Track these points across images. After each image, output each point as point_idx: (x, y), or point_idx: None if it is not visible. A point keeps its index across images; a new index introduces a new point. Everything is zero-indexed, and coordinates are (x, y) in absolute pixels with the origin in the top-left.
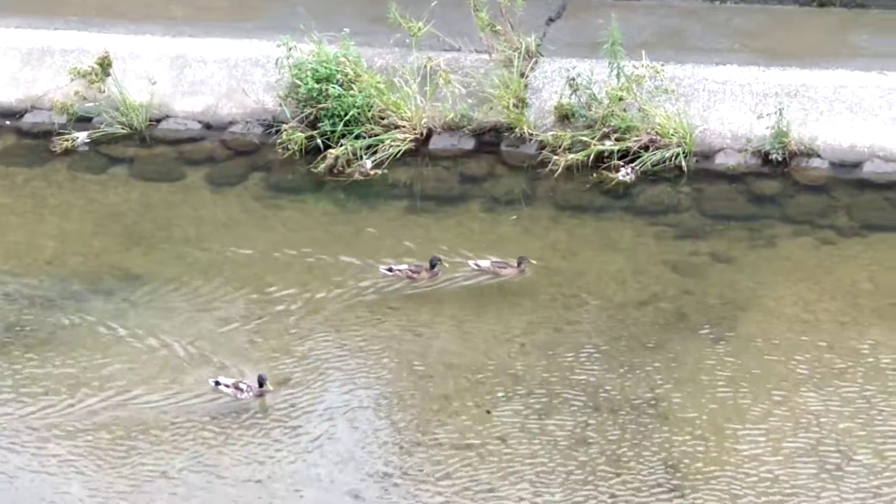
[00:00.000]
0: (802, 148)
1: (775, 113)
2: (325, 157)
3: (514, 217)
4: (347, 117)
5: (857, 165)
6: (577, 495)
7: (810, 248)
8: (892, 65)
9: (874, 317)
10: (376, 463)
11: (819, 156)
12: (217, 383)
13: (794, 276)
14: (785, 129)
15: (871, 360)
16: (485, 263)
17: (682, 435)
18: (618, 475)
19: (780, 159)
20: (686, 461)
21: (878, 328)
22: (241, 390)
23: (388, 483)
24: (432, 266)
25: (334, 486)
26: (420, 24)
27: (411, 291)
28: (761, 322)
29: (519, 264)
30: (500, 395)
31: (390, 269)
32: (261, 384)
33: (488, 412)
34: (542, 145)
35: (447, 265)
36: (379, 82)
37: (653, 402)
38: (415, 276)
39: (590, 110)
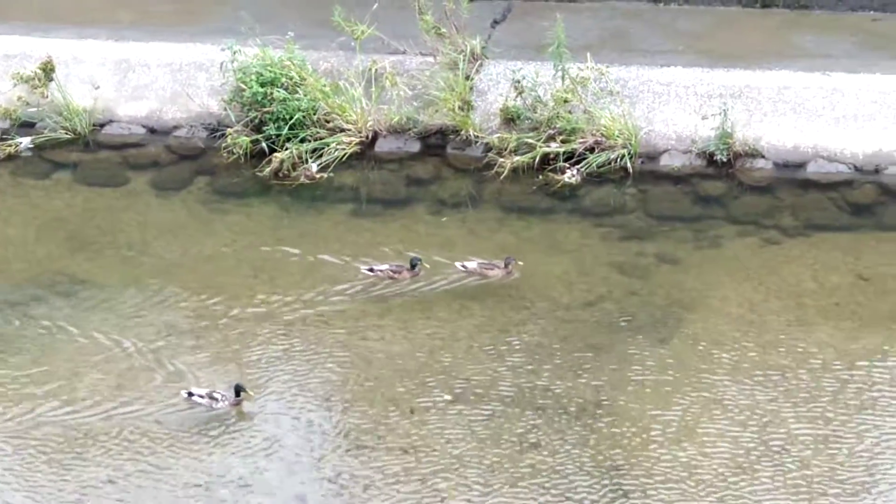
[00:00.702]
0: (747, 149)
1: (720, 114)
2: (270, 161)
3: (445, 219)
4: (293, 121)
5: (800, 166)
6: (523, 497)
7: (755, 249)
8: (836, 65)
9: (819, 316)
10: (322, 467)
11: (763, 156)
12: (190, 394)
13: (739, 276)
14: (729, 130)
15: (816, 359)
16: (472, 265)
17: (628, 436)
18: (564, 477)
19: (724, 160)
20: (632, 462)
21: (823, 328)
22: (216, 400)
23: (333, 487)
24: (413, 266)
25: (280, 490)
26: (364, 27)
27: (357, 295)
28: (707, 322)
29: (506, 265)
30: (446, 397)
31: (371, 270)
32: (237, 393)
33: (412, 411)
34: (487, 148)
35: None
36: (324, 85)
37: (599, 403)
38: (396, 276)
39: (535, 112)
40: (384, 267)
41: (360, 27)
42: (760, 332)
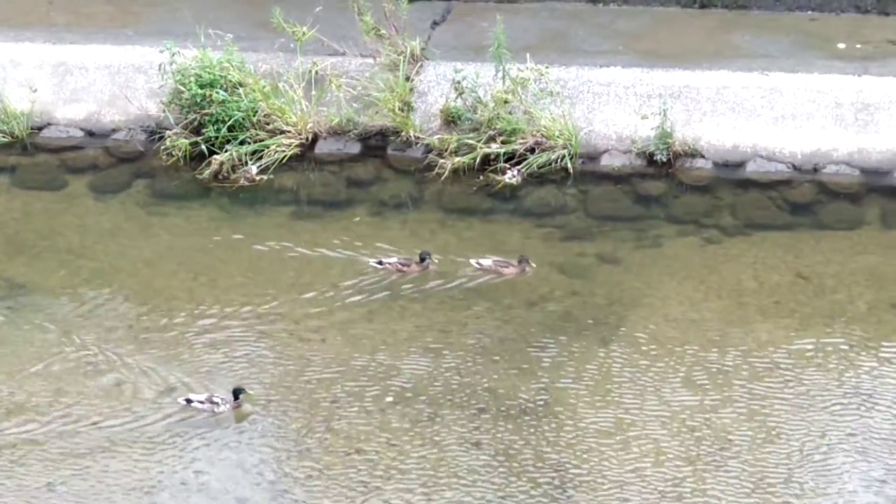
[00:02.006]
0: (686, 148)
1: (659, 114)
2: (209, 164)
3: (357, 219)
4: (232, 122)
5: (740, 165)
6: (466, 497)
7: (695, 248)
8: (774, 65)
9: (759, 315)
10: (265, 470)
11: (703, 156)
12: (188, 401)
13: (680, 275)
14: (669, 129)
15: (757, 358)
16: (486, 262)
17: (570, 435)
18: (506, 477)
19: (664, 160)
20: (574, 462)
21: (764, 326)
22: (217, 404)
23: (276, 490)
24: (422, 260)
25: (222, 494)
26: (304, 28)
27: (298, 297)
28: (648, 322)
29: (520, 263)
30: (388, 399)
31: (380, 263)
32: (236, 396)
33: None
34: (428, 149)
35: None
36: (264, 87)
37: (540, 402)
38: (404, 269)
39: (475, 113)
40: (392, 260)
41: (300, 29)
42: (701, 332)
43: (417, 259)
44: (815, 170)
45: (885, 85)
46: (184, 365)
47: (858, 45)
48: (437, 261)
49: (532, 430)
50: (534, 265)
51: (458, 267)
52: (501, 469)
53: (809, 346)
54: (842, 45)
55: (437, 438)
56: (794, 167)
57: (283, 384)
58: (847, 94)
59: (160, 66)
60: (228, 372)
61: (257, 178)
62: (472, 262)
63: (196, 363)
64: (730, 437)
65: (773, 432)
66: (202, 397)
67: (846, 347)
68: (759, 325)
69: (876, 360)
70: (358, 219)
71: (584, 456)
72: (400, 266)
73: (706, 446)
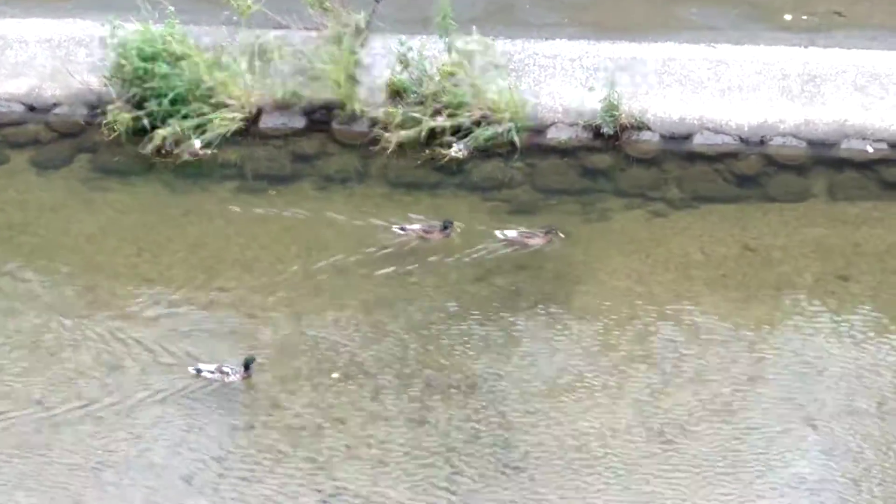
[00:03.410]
0: (633, 121)
1: (606, 87)
2: (152, 138)
3: (273, 192)
4: (174, 96)
5: (686, 137)
6: (415, 473)
7: (642, 221)
8: (721, 37)
9: (706, 287)
10: (210, 447)
11: (650, 129)
12: (198, 371)
13: (627, 248)
14: (616, 102)
15: (704, 330)
16: (512, 234)
17: (518, 410)
18: (455, 452)
19: (611, 133)
20: (522, 436)
21: (710, 298)
22: (227, 374)
23: (221, 467)
24: (444, 228)
25: (166, 471)
26: (248, 1)
27: (243, 273)
28: (595, 295)
29: (546, 234)
30: (334, 375)
31: (403, 229)
32: (247, 367)
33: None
34: (373, 122)
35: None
36: (207, 60)
37: (488, 377)
38: (427, 235)
39: (421, 86)
40: (416, 227)
41: (243, 1)
42: (649, 304)
43: (440, 227)
44: (762, 142)
45: (831, 56)
46: (127, 340)
47: (805, 17)
48: (458, 230)
49: (480, 405)
50: (562, 235)
51: (403, 243)
52: (449, 444)
53: (756, 318)
54: (788, 17)
55: (382, 415)
56: (741, 139)
57: (227, 361)
58: (794, 65)
59: (102, 39)
60: (173, 347)
61: (201, 152)
62: (497, 233)
63: (139, 339)
64: (678, 410)
65: (722, 405)
66: (212, 367)
67: (793, 319)
68: (706, 298)
69: (823, 331)
70: (274, 192)
71: (532, 430)
72: (423, 233)
73: (655, 420)
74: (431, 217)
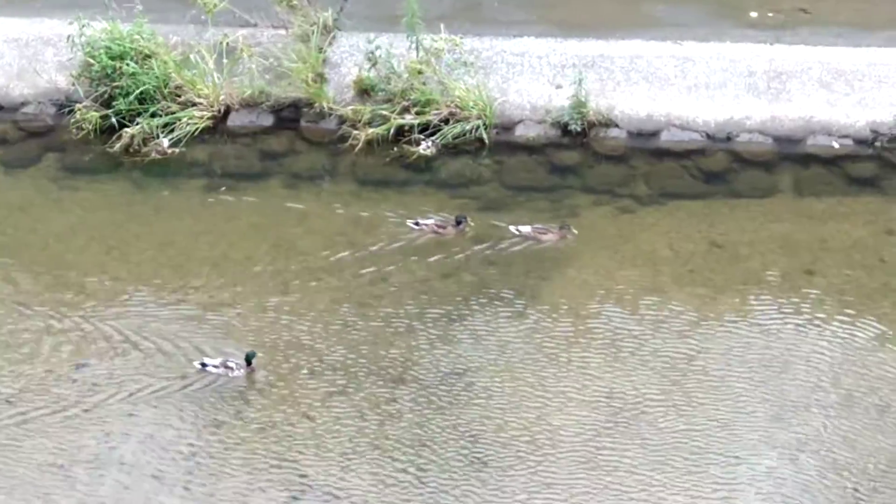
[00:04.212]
0: (601, 118)
1: (573, 84)
2: (120, 137)
3: (223, 189)
4: (143, 95)
5: (654, 134)
6: (384, 469)
7: (610, 218)
8: (687, 34)
9: (674, 283)
10: (179, 443)
11: (617, 125)
12: (203, 365)
13: (595, 245)
14: (583, 99)
15: (672, 326)
16: (526, 229)
17: (487, 405)
18: (424, 447)
19: (579, 130)
20: (492, 431)
21: (678, 294)
22: (231, 368)
23: (191, 463)
24: (458, 223)
25: (136, 468)
26: (215, 0)
27: (211, 271)
28: (564, 291)
29: (560, 229)
30: (304, 372)
31: (417, 223)
32: (248, 361)
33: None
34: (341, 120)
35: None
36: (175, 59)
37: (457, 373)
38: (441, 230)
39: (389, 84)
40: (429, 221)
41: (211, 0)
42: (617, 301)
43: (454, 222)
44: (729, 138)
45: (796, 53)
46: (96, 339)
47: (770, 14)
48: (472, 224)
49: (449, 401)
50: (575, 231)
51: (373, 240)
52: (419, 440)
53: (724, 314)
54: (754, 14)
55: (353, 410)
56: (708, 136)
57: (197, 357)
58: (759, 62)
59: (69, 38)
60: (142, 344)
61: (169, 150)
62: (512, 228)
63: (109, 336)
64: (646, 405)
65: (689, 400)
66: (217, 361)
67: (761, 314)
68: (674, 294)
69: (790, 326)
70: (224, 189)
71: (502, 426)
72: (437, 228)
73: (623, 415)
74: (402, 212)
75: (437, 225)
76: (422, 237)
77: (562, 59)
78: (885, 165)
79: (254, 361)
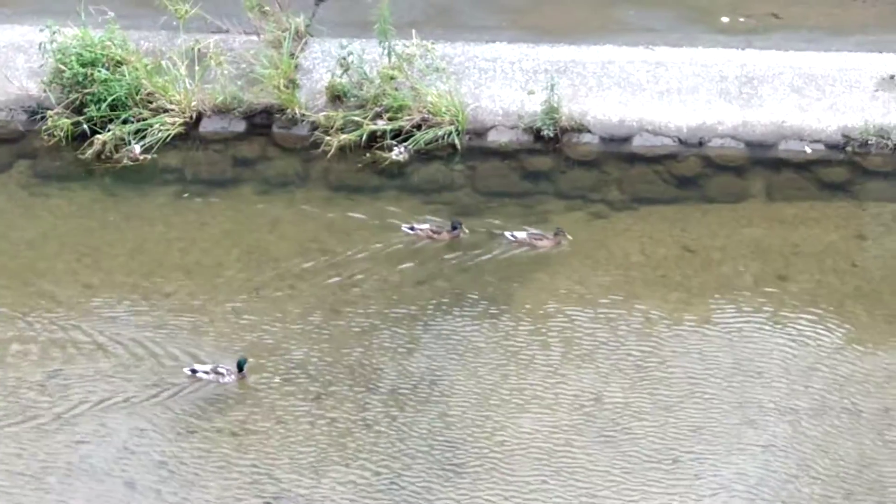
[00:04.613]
0: (573, 123)
1: (546, 89)
2: (92, 143)
3: (187, 195)
4: (114, 101)
5: (626, 139)
6: (357, 477)
7: (583, 223)
8: (659, 39)
9: (646, 289)
10: (151, 452)
11: (589, 131)
12: (193, 371)
13: (568, 250)
14: (555, 105)
15: (644, 331)
16: (521, 235)
17: (461, 412)
18: (398, 455)
19: (551, 135)
20: (466, 438)
21: (651, 299)
22: (222, 374)
23: (164, 472)
24: (453, 228)
25: (109, 476)
26: (187, 6)
27: (183, 277)
28: (537, 296)
29: (555, 235)
30: (277, 379)
31: (412, 228)
32: (240, 367)
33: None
34: (314, 126)
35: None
36: (146, 65)
37: (431, 380)
38: (435, 236)
39: (361, 90)
40: (424, 226)
41: (182, 6)
42: (590, 306)
43: (449, 227)
44: (701, 143)
45: (768, 58)
46: (68, 347)
47: (742, 19)
48: (467, 231)
49: (423, 408)
50: (570, 237)
51: (345, 246)
52: (393, 448)
53: (697, 319)
54: (725, 19)
55: (326, 418)
56: (680, 141)
57: (172, 364)
58: (731, 67)
59: (40, 45)
60: (114, 352)
61: (141, 157)
62: (507, 234)
63: (80, 345)
64: (619, 410)
65: (662, 405)
66: (207, 367)
67: (733, 319)
68: (646, 299)
69: (762, 331)
70: (187, 195)
71: (476, 432)
72: (431, 233)
73: (596, 420)
74: (373, 220)
75: (431, 230)
76: (416, 242)
77: (534, 65)
78: (857, 170)
79: (245, 368)
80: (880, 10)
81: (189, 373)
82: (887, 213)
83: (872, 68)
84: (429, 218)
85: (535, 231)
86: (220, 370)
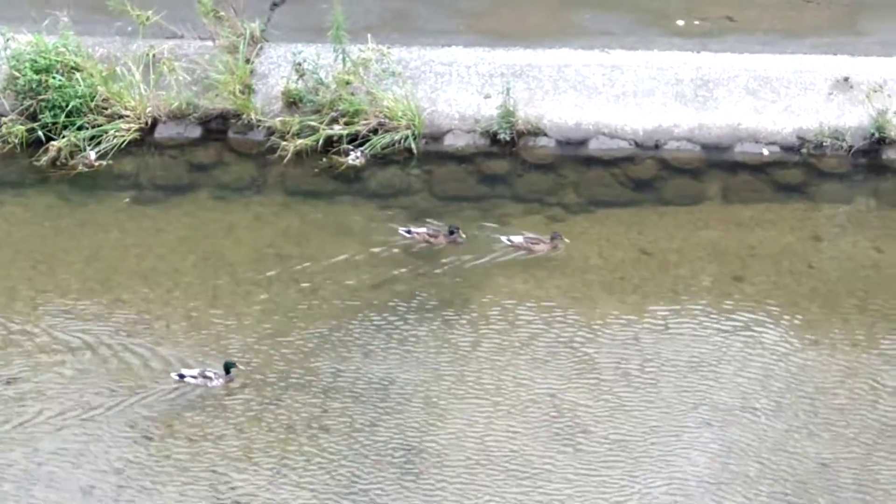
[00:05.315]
0: (529, 127)
1: (502, 93)
2: (47, 150)
3: (127, 200)
4: (69, 108)
5: (582, 143)
6: (315, 481)
7: (540, 226)
8: (615, 43)
9: (604, 291)
10: (109, 458)
11: (546, 134)
12: (181, 376)
13: (525, 253)
14: (512, 108)
15: (602, 333)
16: (517, 239)
17: (418, 416)
18: (356, 458)
19: (508, 139)
20: (423, 441)
21: (608, 301)
22: (210, 378)
23: (121, 478)
24: (451, 233)
25: (66, 483)
26: (142, 11)
27: (139, 283)
28: (494, 299)
29: (552, 240)
30: (233, 385)
31: (409, 231)
32: (227, 370)
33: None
34: (270, 131)
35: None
36: (101, 72)
37: (388, 384)
38: (432, 240)
39: (317, 95)
40: (421, 230)
41: (137, 12)
42: (547, 308)
43: (446, 231)
44: (657, 146)
45: (723, 61)
46: (24, 353)
47: (697, 22)
48: (464, 235)
49: (380, 412)
50: (567, 240)
51: (302, 251)
52: (350, 452)
53: (654, 321)
54: (681, 23)
55: (283, 422)
56: (636, 144)
57: (129, 372)
58: (687, 70)
59: None
60: (72, 361)
61: (96, 163)
62: (503, 238)
63: (35, 353)
64: (578, 412)
65: (621, 406)
66: (195, 372)
67: (690, 321)
68: (604, 301)
69: (719, 332)
70: (127, 200)
71: (434, 435)
72: (428, 237)
73: (555, 422)
74: (330, 224)
75: (428, 234)
76: (413, 246)
77: (490, 69)
78: (812, 172)
79: (232, 371)
80: (834, 12)
81: (176, 377)
82: (842, 214)
83: (826, 70)
84: (428, 221)
85: (531, 235)
86: (208, 374)
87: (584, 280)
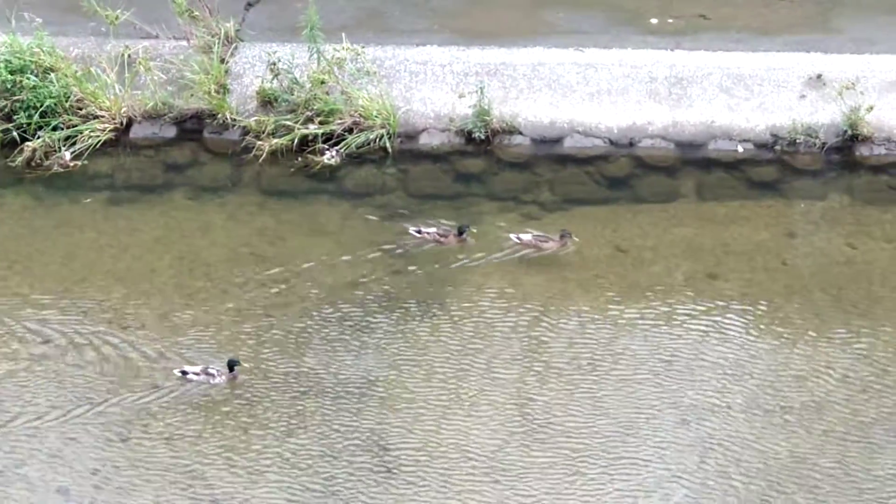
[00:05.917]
0: (504, 125)
1: (476, 92)
2: (22, 151)
3: (89, 200)
4: (44, 108)
5: (557, 141)
6: (291, 480)
7: (515, 225)
8: (589, 41)
9: (580, 289)
10: (85, 459)
11: (521, 133)
12: (184, 373)
13: (488, 251)
14: (486, 107)
15: (578, 331)
16: (526, 237)
17: (395, 415)
18: (331, 459)
19: (482, 137)
20: (400, 441)
21: (584, 299)
22: (213, 375)
23: (97, 479)
24: (461, 232)
25: (42, 484)
26: (116, 11)
27: (115, 285)
28: (471, 298)
29: (561, 238)
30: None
31: (419, 231)
32: (231, 368)
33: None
34: (245, 131)
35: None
36: (76, 72)
37: (364, 383)
38: (442, 240)
39: (292, 94)
40: (431, 230)
41: (111, 12)
42: (523, 306)
43: (456, 231)
44: (631, 144)
45: (697, 59)
46: (0, 357)
47: (670, 20)
48: (475, 231)
49: (356, 411)
50: (577, 239)
51: (278, 251)
52: (326, 452)
53: (629, 318)
54: (654, 21)
55: (260, 421)
56: (611, 142)
57: (104, 372)
58: (661, 68)
59: None
60: (51, 362)
61: (71, 164)
62: (512, 236)
63: (13, 353)
64: (553, 410)
65: (597, 404)
66: (197, 369)
67: (665, 319)
68: (579, 299)
69: (695, 330)
70: (89, 200)
71: (410, 435)
72: (438, 236)
73: (530, 421)
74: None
75: (438, 234)
76: (422, 245)
77: (465, 68)
78: (786, 169)
79: (236, 368)
80: (807, 10)
81: (179, 374)
82: (816, 211)
83: (800, 68)
84: (441, 221)
85: (539, 233)
86: (211, 371)
87: (559, 277)
